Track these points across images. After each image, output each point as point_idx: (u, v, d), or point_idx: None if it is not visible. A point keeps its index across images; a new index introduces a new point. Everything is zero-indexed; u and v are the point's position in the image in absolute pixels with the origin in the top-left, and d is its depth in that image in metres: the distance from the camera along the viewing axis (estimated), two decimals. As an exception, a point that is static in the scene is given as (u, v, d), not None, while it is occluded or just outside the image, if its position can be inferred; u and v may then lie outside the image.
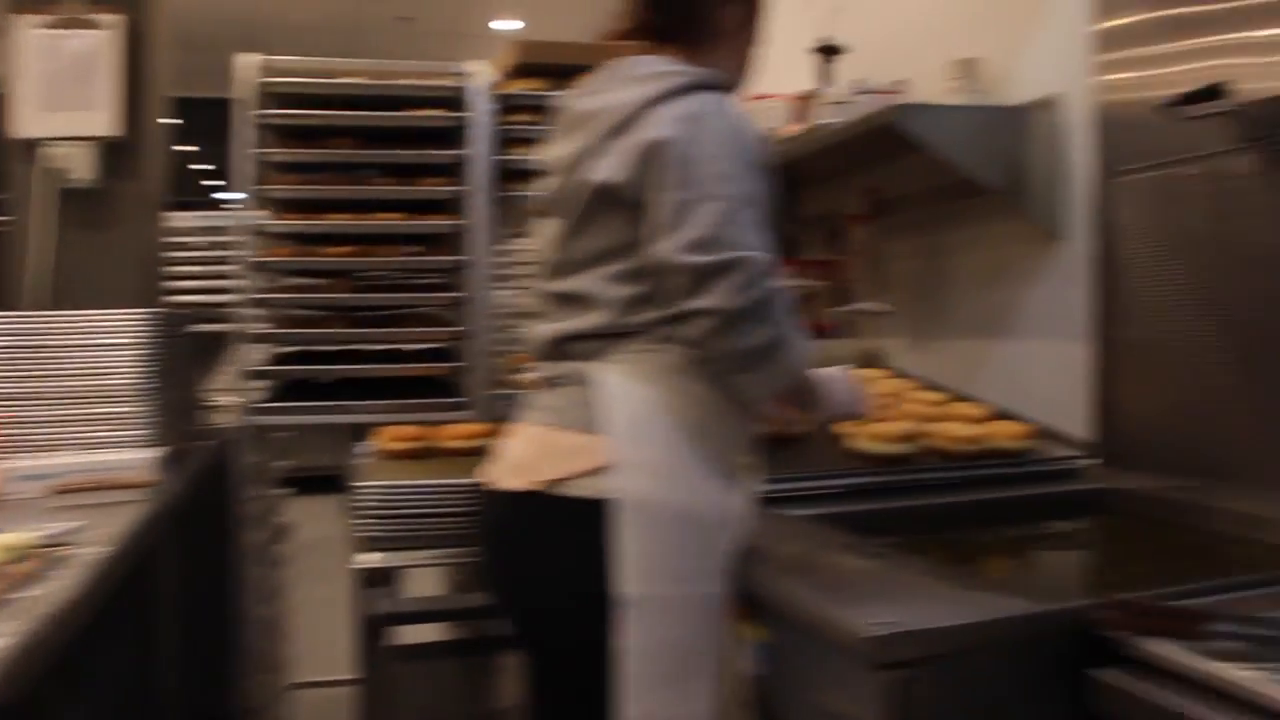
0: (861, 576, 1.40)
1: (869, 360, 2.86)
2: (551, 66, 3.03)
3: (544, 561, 1.46)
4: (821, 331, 3.06)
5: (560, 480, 1.42)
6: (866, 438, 2.02)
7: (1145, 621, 1.08)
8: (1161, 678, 1.06)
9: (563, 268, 1.54)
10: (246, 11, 6.87)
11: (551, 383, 1.54)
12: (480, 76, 2.90)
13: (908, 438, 2.00)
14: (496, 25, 7.41)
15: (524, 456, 1.49)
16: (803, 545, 1.59)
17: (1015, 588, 1.41)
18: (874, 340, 2.89)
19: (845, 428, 2.06)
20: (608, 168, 1.45)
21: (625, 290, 1.47)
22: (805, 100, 3.10)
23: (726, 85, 1.59)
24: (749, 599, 1.40)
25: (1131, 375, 2.04)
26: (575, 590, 1.42)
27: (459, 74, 2.89)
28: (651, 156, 1.42)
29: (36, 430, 2.10)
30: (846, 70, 3.22)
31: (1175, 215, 1.95)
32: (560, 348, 1.53)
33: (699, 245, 1.35)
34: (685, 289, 1.37)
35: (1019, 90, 2.71)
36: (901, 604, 1.19)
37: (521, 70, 3.01)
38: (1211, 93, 1.73)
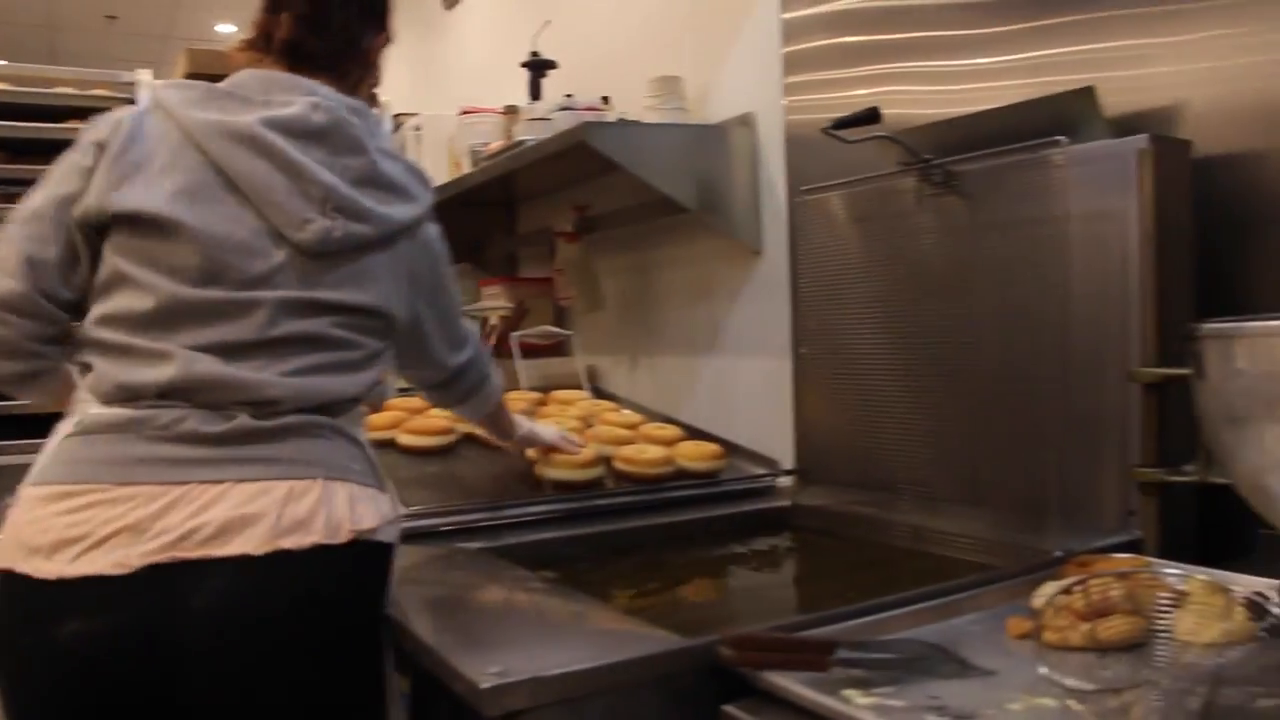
0: (504, 617, 1.34)
1: (585, 380, 2.83)
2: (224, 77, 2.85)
3: (357, 609, 1.33)
4: (533, 350, 3.01)
5: (372, 529, 1.33)
6: (552, 465, 1.97)
7: (768, 655, 1.06)
8: (788, 710, 1.04)
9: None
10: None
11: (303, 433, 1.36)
12: (148, 86, 2.70)
13: (593, 463, 1.96)
14: (222, 29, 7.05)
15: (312, 511, 1.29)
16: (456, 582, 1.52)
17: (672, 619, 1.37)
18: (581, 360, 2.85)
19: (537, 454, 2.01)
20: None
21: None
22: (508, 116, 3.04)
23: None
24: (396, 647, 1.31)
25: (818, 392, 2.07)
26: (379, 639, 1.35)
27: (127, 84, 2.67)
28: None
29: None
30: (560, 85, 3.19)
31: (849, 234, 1.99)
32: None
33: None
34: None
35: (719, 109, 2.73)
36: (528, 647, 1.13)
37: (194, 79, 2.83)
38: (869, 116, 1.77)
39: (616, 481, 2.02)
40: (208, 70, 2.86)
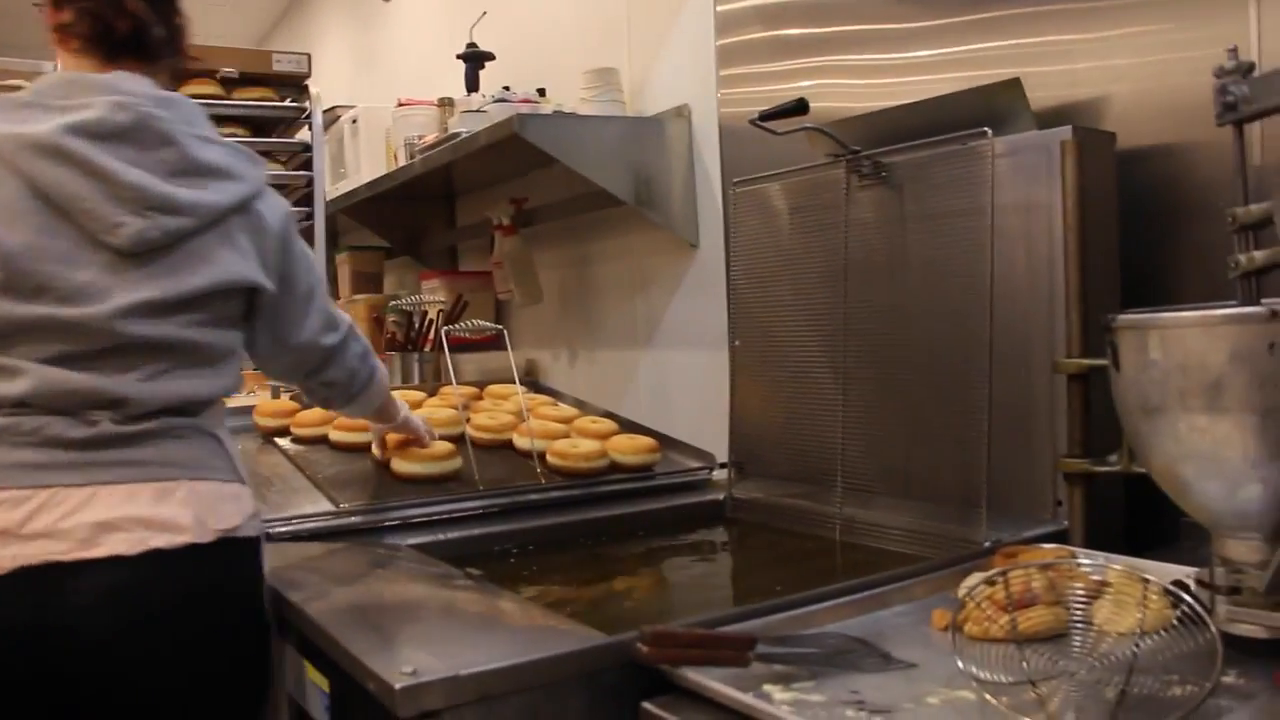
0: (424, 615, 1.31)
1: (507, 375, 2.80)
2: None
3: (237, 609, 1.38)
4: (471, 345, 2.98)
5: (236, 526, 1.36)
6: (406, 458, 1.96)
7: (688, 651, 1.05)
8: (707, 706, 1.03)
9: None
10: None
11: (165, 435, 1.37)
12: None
13: (447, 457, 1.97)
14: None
15: (178, 511, 1.31)
16: (378, 580, 1.49)
17: (597, 615, 1.36)
18: (520, 353, 2.83)
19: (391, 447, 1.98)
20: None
21: None
22: (443, 108, 3.01)
23: None
24: (312, 644, 1.29)
25: (751, 384, 2.06)
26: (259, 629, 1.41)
27: (45, 73, 2.60)
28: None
29: None
30: (498, 78, 3.16)
31: (781, 225, 1.99)
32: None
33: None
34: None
35: (654, 101, 2.72)
36: (444, 646, 1.11)
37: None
38: (797, 108, 1.76)
39: (550, 476, 2.00)
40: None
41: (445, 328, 2.03)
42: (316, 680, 1.28)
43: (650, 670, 1.07)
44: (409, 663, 1.03)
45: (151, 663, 1.27)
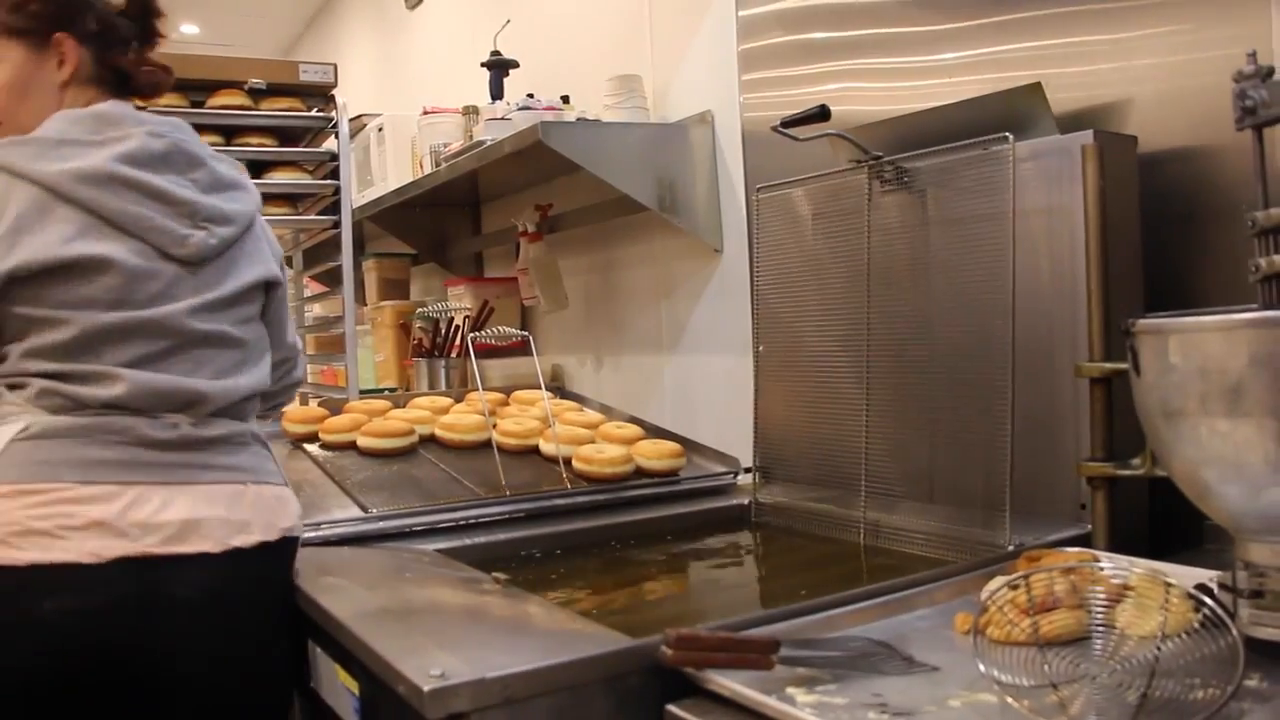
0: (451, 619, 1.33)
1: (550, 380, 2.82)
2: (184, 81, 2.84)
3: (289, 592, 1.53)
4: (496, 351, 3.01)
5: (292, 526, 1.56)
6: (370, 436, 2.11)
7: (712, 655, 1.06)
8: (732, 709, 1.04)
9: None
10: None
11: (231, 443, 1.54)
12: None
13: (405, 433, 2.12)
14: (184, 30, 6.98)
15: (251, 513, 1.50)
16: (407, 584, 1.51)
17: (623, 619, 1.37)
18: (545, 359, 2.85)
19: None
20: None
21: None
22: (469, 115, 3.04)
23: None
24: (343, 647, 1.30)
25: (776, 389, 2.07)
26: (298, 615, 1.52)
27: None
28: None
29: None
30: (522, 85, 3.18)
31: (804, 231, 2.00)
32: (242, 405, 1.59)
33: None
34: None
35: (677, 107, 2.74)
36: (471, 649, 1.12)
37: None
38: (818, 114, 1.77)
39: (575, 481, 2.02)
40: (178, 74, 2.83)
41: (471, 334, 2.05)
42: (347, 682, 1.30)
43: (674, 673, 1.09)
44: (437, 666, 1.04)
45: (235, 647, 1.46)
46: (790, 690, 1.04)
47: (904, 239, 1.81)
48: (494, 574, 1.56)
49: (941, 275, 1.74)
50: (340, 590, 1.44)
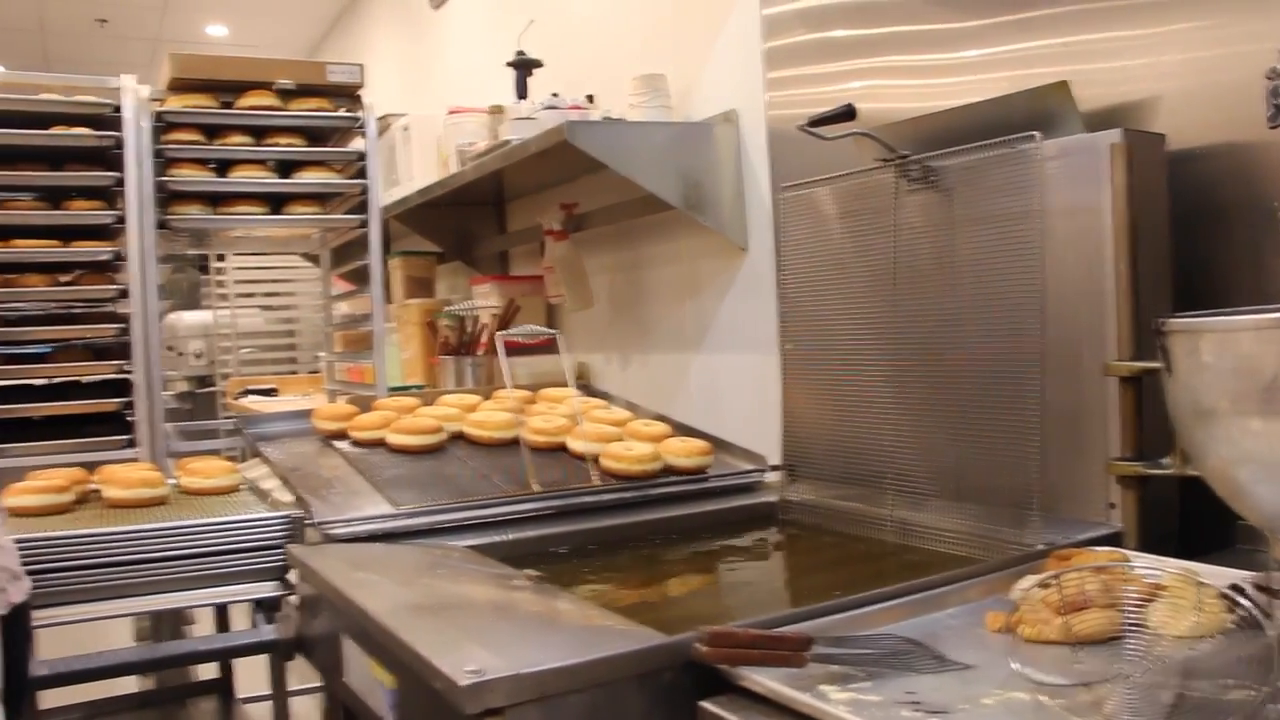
0: (486, 614, 1.35)
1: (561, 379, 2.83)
2: (220, 83, 2.88)
3: None
4: (523, 349, 3.02)
5: None
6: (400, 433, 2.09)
7: (746, 652, 1.07)
8: (765, 706, 1.05)
9: None
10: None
11: None
12: (132, 92, 2.70)
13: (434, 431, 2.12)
14: (212, 31, 7.04)
15: None
16: (440, 580, 1.53)
17: (655, 615, 1.38)
18: (572, 357, 2.86)
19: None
20: None
21: None
22: (494, 115, 3.05)
23: None
24: (377, 642, 1.32)
25: (803, 387, 2.07)
26: None
27: (111, 90, 2.68)
28: None
29: None
30: (547, 84, 3.19)
31: (831, 229, 2.00)
32: None
33: None
34: None
35: (702, 106, 2.74)
36: (506, 645, 1.14)
37: (180, 85, 2.84)
38: (845, 114, 1.77)
39: (604, 479, 2.03)
40: (195, 74, 2.86)
41: (500, 332, 2.06)
42: (381, 676, 1.31)
43: (708, 670, 1.10)
44: (474, 661, 1.05)
45: None
46: (824, 688, 1.04)
47: (930, 238, 1.81)
48: (525, 570, 1.57)
49: (969, 274, 1.74)
50: (373, 586, 1.45)
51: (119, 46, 7.01)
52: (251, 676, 2.50)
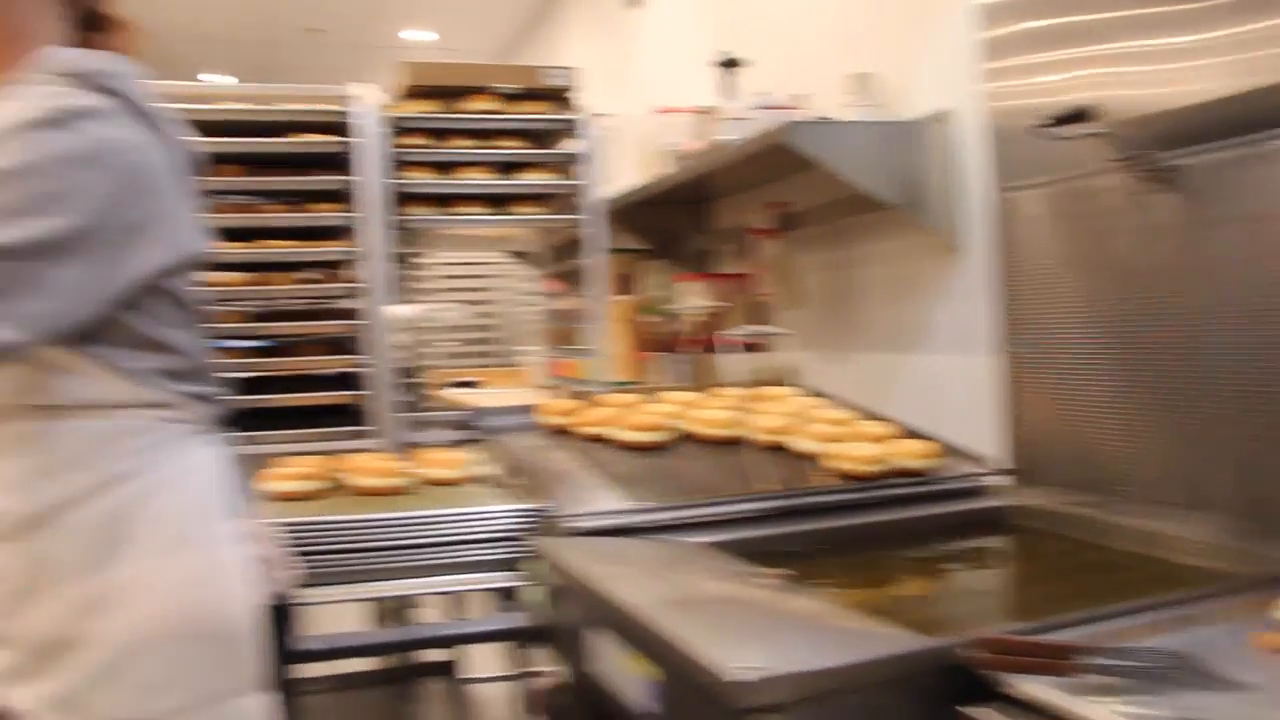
0: (745, 611, 1.38)
1: (782, 377, 2.85)
2: (443, 88, 3.02)
3: None
4: (728, 348, 3.05)
5: None
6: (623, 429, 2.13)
7: (1016, 659, 1.07)
8: (1034, 715, 1.05)
9: None
10: (152, 22, 6.70)
11: None
12: (367, 99, 2.86)
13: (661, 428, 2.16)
14: (407, 35, 7.32)
15: None
16: (692, 575, 1.56)
17: (902, 618, 1.39)
18: (785, 356, 2.88)
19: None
20: None
21: None
22: (705, 115, 3.09)
23: None
24: (636, 636, 1.37)
25: (1032, 390, 2.04)
26: None
27: (344, 97, 2.84)
28: None
29: None
30: (751, 83, 3.22)
31: (1062, 229, 1.96)
32: None
33: None
34: None
35: (914, 103, 2.71)
36: (775, 643, 1.17)
37: (413, 92, 2.98)
38: (1079, 115, 1.72)
39: (828, 478, 2.04)
40: (425, 82, 3.00)
41: (719, 331, 2.09)
42: (640, 669, 1.35)
43: (965, 674, 1.10)
44: (744, 658, 1.09)
45: None
46: (1094, 699, 1.04)
47: (1171, 240, 1.75)
48: (771, 569, 1.59)
49: (1212, 276, 1.67)
50: (625, 579, 1.49)
51: (327, 53, 7.36)
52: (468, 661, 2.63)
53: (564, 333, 3.99)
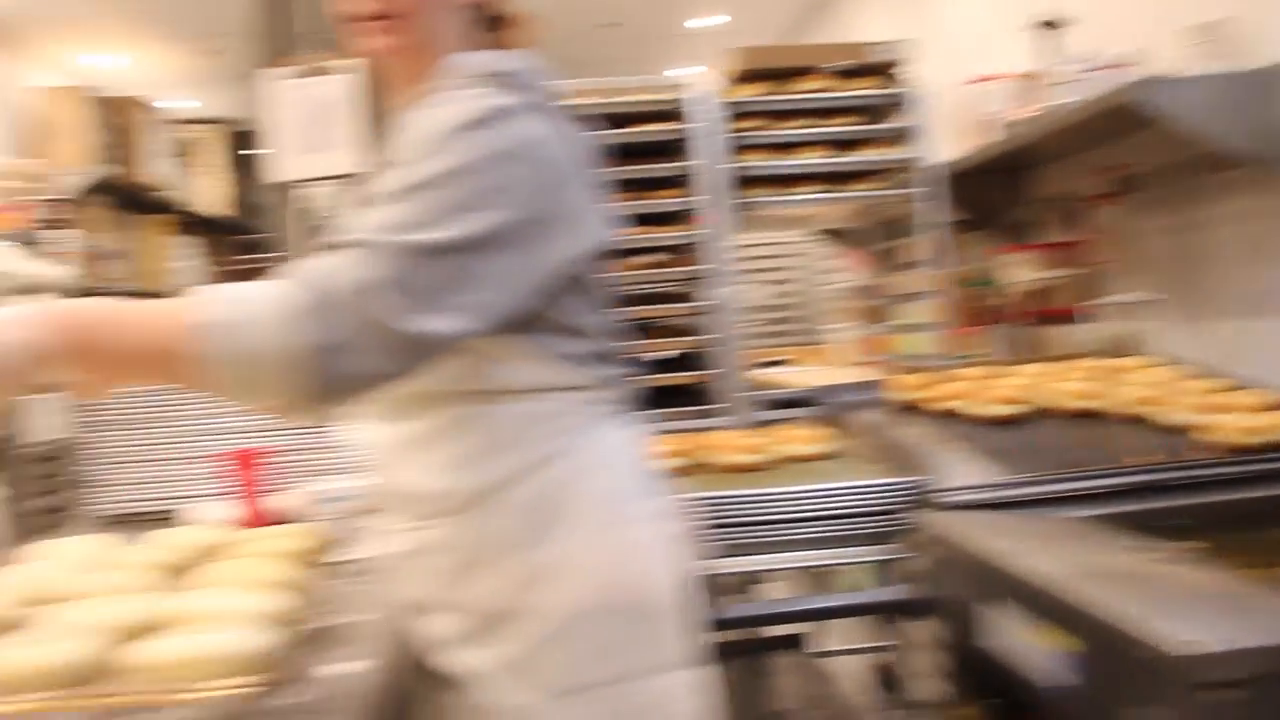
0: (1170, 584, 1.35)
1: (1123, 348, 2.75)
2: (773, 70, 3.08)
3: None
4: (1068, 316, 2.97)
5: None
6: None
7: None
8: None
9: None
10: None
11: None
12: (698, 86, 2.97)
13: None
14: (692, 24, 7.43)
15: None
16: (1095, 548, 1.55)
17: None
18: (1128, 325, 2.78)
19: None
20: None
21: None
22: (1030, 79, 3.01)
23: None
24: (1051, 608, 1.37)
25: None
26: None
27: (677, 85, 2.97)
28: None
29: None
30: (1075, 43, 3.10)
31: None
32: None
33: None
34: None
35: (1270, 50, 2.55)
36: (1224, 616, 1.15)
37: (746, 76, 3.07)
38: None
39: (1203, 451, 1.96)
40: (757, 65, 3.10)
41: (1074, 302, 2.05)
42: (1057, 641, 1.34)
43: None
44: (1192, 631, 1.08)
45: None
46: None
47: None
48: (1173, 544, 1.55)
49: None
50: (1028, 553, 1.50)
51: (617, 46, 7.58)
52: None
53: (874, 309, 3.99)
